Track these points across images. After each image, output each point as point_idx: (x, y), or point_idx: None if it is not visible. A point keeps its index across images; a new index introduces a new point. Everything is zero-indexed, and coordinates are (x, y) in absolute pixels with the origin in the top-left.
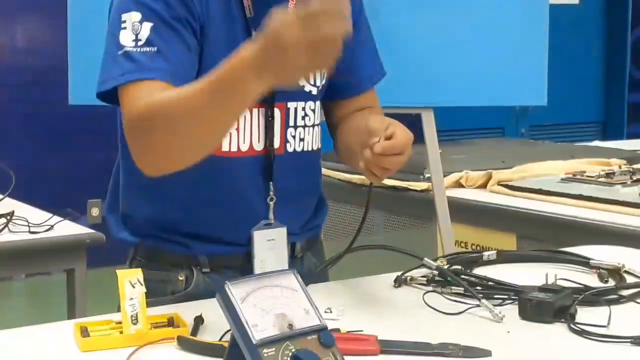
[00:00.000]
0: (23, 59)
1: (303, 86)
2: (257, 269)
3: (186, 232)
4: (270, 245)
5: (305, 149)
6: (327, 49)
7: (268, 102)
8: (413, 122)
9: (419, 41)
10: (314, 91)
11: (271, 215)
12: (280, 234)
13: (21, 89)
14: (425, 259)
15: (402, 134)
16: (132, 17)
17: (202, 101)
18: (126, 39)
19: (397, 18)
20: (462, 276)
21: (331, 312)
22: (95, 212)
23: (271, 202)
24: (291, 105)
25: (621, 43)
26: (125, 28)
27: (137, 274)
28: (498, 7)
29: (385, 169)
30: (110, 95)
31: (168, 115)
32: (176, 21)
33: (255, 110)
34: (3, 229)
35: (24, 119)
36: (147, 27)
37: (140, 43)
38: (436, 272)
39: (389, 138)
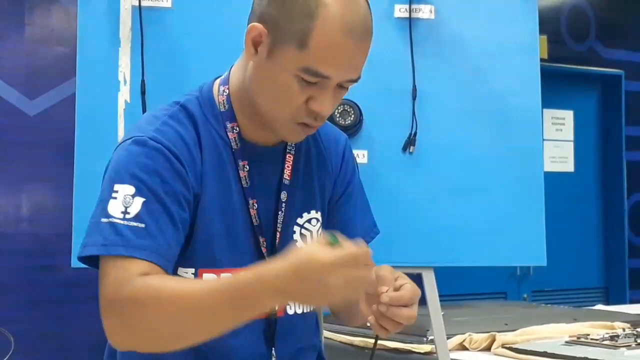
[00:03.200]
0: (26, 226)
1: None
2: None
3: None
4: None
5: (304, 310)
6: (357, 285)
7: None
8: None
9: (419, 202)
10: None
11: None
12: None
13: (23, 256)
14: None
15: (410, 287)
16: (125, 190)
17: (212, 306)
18: (115, 209)
19: (397, 180)
20: None
21: None
22: None
23: None
24: None
25: (618, 209)
26: (115, 198)
27: None
28: (494, 172)
29: (394, 322)
30: (90, 259)
31: (168, 307)
32: (169, 196)
33: None
34: None
35: (25, 285)
36: (138, 202)
37: (128, 217)
38: None
39: (397, 290)
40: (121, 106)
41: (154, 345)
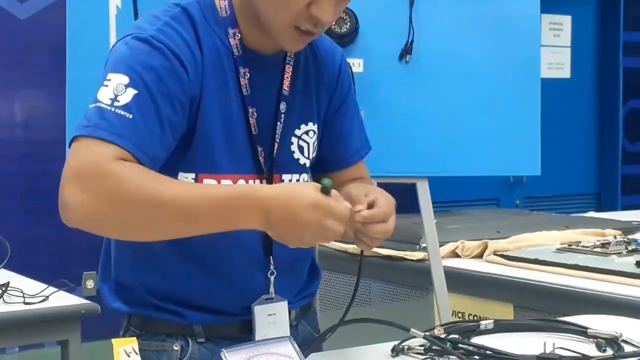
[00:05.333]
0: (21, 132)
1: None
2: None
3: (180, 300)
4: (271, 319)
5: None
6: (326, 235)
7: (263, 174)
8: (408, 192)
9: (415, 112)
10: (307, 163)
11: (272, 290)
12: (281, 307)
13: (19, 162)
14: (413, 329)
15: (383, 202)
16: (119, 79)
17: (193, 210)
18: (104, 95)
19: (393, 89)
20: (460, 345)
21: None
22: (90, 284)
23: (272, 277)
24: (286, 177)
25: (613, 116)
26: (107, 86)
27: (132, 342)
28: (491, 80)
29: (373, 238)
30: None
31: (145, 204)
32: (163, 96)
33: (251, 182)
34: None
35: (20, 191)
36: (130, 93)
37: (117, 104)
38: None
39: (371, 206)
40: (112, 11)
41: (118, 231)
